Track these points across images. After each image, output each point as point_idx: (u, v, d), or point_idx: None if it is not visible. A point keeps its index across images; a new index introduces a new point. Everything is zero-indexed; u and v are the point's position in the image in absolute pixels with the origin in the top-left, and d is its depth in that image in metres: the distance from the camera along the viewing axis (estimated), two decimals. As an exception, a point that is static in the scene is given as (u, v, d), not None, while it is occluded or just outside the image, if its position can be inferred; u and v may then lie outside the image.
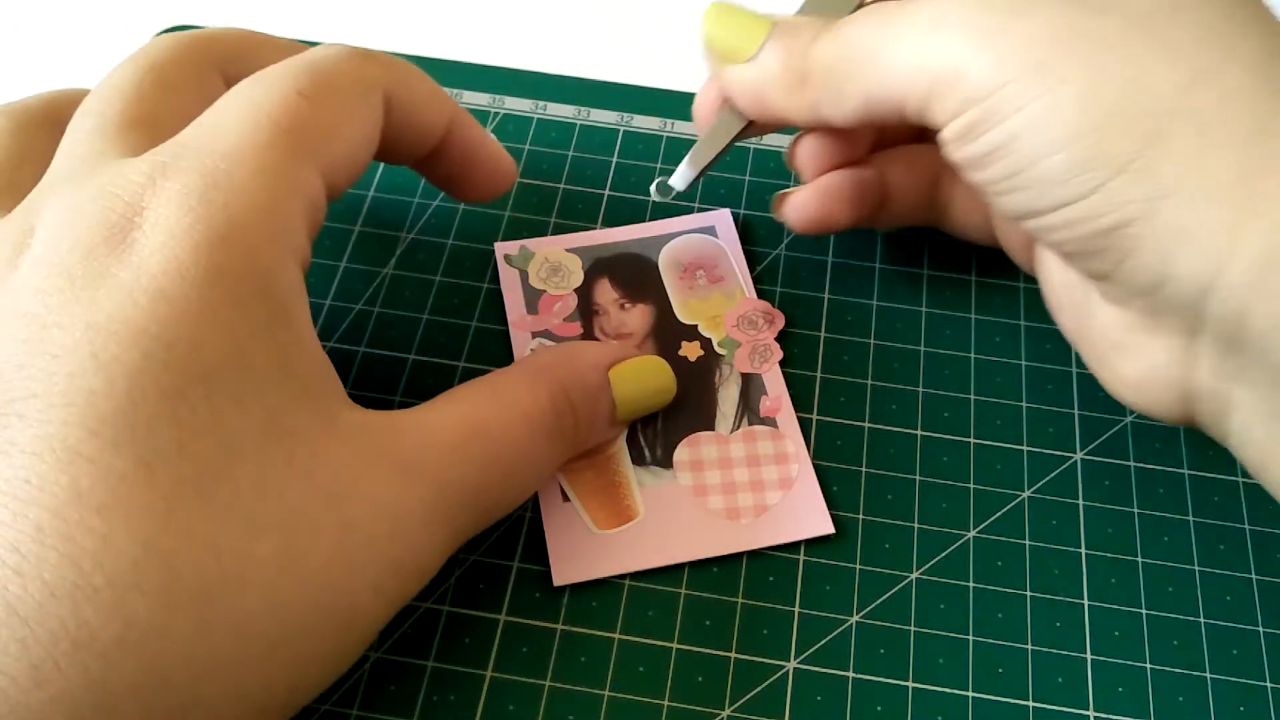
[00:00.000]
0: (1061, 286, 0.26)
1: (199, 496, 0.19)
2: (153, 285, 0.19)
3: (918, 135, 0.30)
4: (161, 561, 0.18)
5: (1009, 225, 0.29)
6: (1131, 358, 0.25)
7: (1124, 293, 0.24)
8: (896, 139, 0.30)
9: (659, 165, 0.34)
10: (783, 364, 0.30)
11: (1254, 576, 0.27)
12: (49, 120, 0.26)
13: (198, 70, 0.25)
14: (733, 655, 0.25)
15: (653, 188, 0.30)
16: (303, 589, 0.20)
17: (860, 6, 0.27)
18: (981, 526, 0.27)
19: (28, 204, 0.22)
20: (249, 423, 0.20)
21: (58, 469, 0.18)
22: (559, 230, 0.32)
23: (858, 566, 0.27)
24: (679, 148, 0.34)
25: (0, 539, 0.17)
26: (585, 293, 0.31)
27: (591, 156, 0.34)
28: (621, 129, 0.35)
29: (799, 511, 0.27)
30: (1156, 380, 0.24)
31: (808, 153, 0.29)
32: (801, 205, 0.29)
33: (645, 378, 0.27)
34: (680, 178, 0.29)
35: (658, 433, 0.28)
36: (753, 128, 0.28)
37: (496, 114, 0.35)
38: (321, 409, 0.21)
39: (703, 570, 0.27)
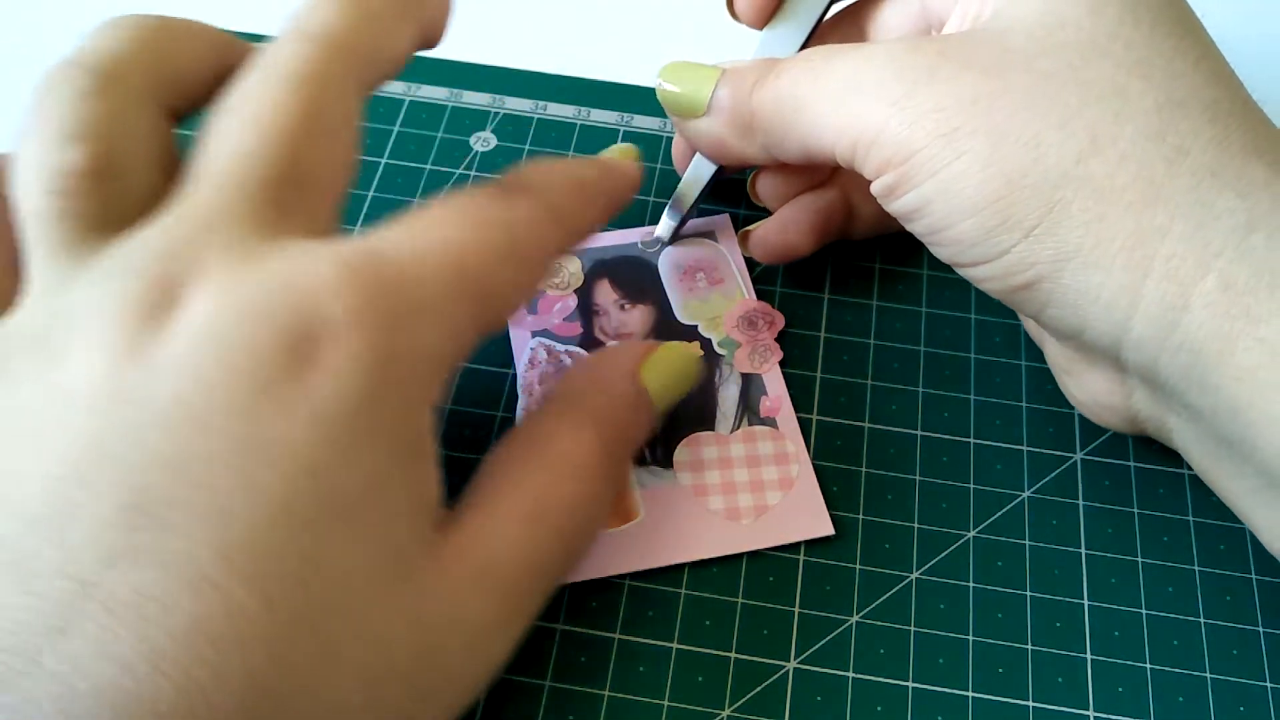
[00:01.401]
0: None
1: (311, 636, 0.18)
2: (319, 410, 0.19)
3: None
4: (266, 704, 0.18)
5: None
6: (1077, 382, 0.26)
7: (1053, 334, 0.25)
8: None
9: (659, 166, 0.34)
10: (783, 364, 0.30)
11: (1254, 576, 0.27)
12: (150, 90, 0.21)
13: (350, 112, 0.22)
14: (733, 655, 0.25)
15: (639, 243, 0.31)
16: None
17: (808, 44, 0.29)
18: (981, 526, 0.27)
19: (169, 249, 0.19)
20: (371, 559, 0.19)
21: (183, 590, 0.17)
22: (559, 230, 0.32)
23: (858, 566, 0.27)
24: (679, 148, 0.34)
25: (117, 655, 0.16)
26: (585, 293, 0.31)
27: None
28: (621, 129, 0.35)
29: (799, 512, 0.27)
30: (1101, 403, 0.26)
31: (767, 187, 0.30)
32: (763, 240, 0.30)
33: (674, 364, 0.26)
34: (665, 228, 0.31)
35: (658, 433, 0.28)
36: (725, 169, 0.30)
37: (496, 114, 0.35)
38: (431, 540, 0.21)
39: (703, 570, 0.27)
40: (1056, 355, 0.27)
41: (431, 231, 0.21)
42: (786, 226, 0.30)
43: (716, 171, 0.30)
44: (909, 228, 0.25)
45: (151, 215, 0.20)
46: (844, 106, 0.24)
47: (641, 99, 0.36)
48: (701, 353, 0.28)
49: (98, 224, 0.20)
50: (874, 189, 0.25)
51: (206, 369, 0.18)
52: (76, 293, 0.19)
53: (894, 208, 0.25)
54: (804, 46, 0.28)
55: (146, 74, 0.21)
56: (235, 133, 0.21)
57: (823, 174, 0.30)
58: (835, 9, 0.29)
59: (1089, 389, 0.26)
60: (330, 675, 0.19)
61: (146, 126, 0.21)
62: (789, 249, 0.30)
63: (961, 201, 0.23)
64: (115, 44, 0.21)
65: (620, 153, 0.29)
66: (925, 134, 0.23)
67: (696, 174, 0.30)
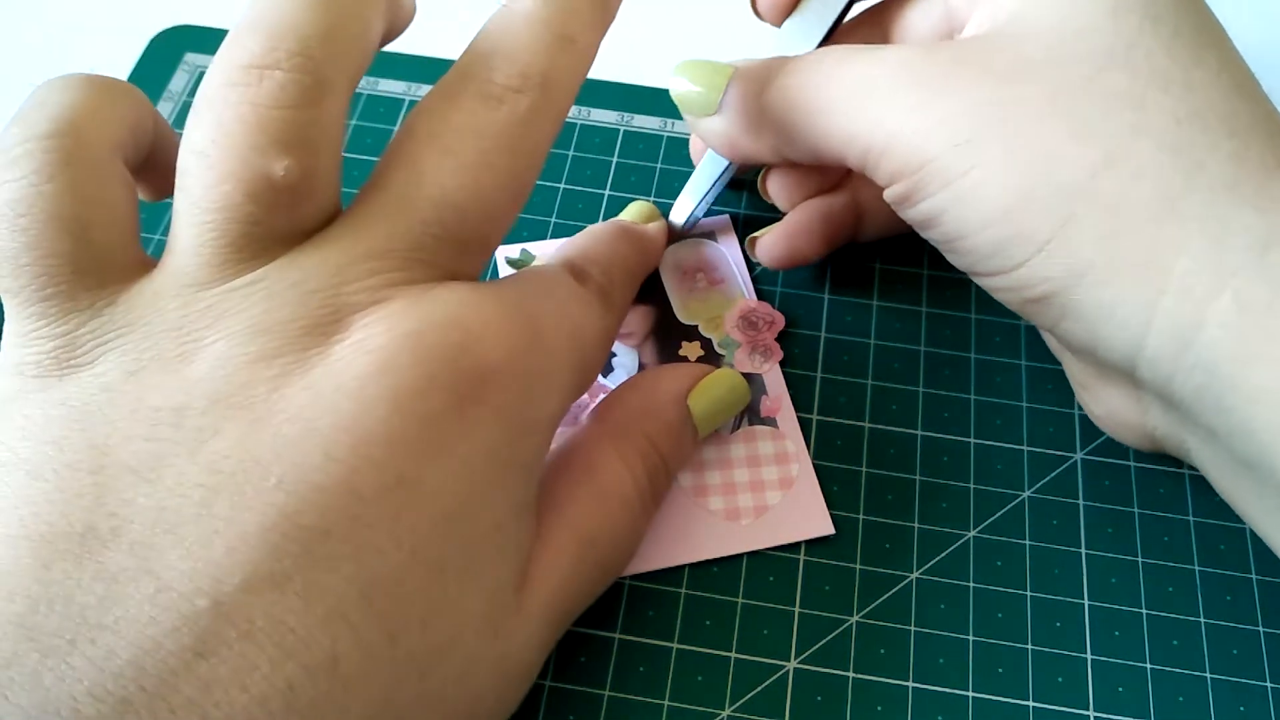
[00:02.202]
0: None
1: (420, 680, 0.18)
2: (471, 453, 0.19)
3: None
4: None
5: None
6: (1095, 398, 0.26)
7: (1069, 348, 0.25)
8: None
9: (659, 165, 0.34)
10: (783, 364, 0.30)
11: (1254, 576, 0.27)
12: (351, 89, 0.21)
13: (541, 168, 0.23)
14: (733, 655, 0.25)
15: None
16: None
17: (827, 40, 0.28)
18: (981, 526, 0.27)
19: (346, 271, 0.19)
20: (479, 605, 0.20)
21: (320, 626, 0.17)
22: (559, 231, 0.32)
23: (858, 566, 0.27)
24: (679, 147, 0.34)
25: (252, 686, 0.16)
26: (585, 293, 0.31)
27: (591, 157, 0.34)
28: (621, 129, 0.35)
29: (799, 512, 0.27)
30: (1118, 419, 0.26)
31: (777, 186, 0.30)
32: (771, 246, 0.30)
33: (720, 392, 0.27)
34: (679, 211, 0.31)
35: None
36: (738, 166, 0.30)
37: (497, 114, 0.35)
38: (518, 587, 0.21)
39: (703, 570, 0.27)
40: (1075, 370, 0.27)
41: (554, 300, 0.22)
42: (794, 233, 0.29)
43: (729, 167, 0.30)
44: (924, 235, 0.25)
45: (329, 225, 0.20)
46: (856, 112, 0.24)
47: (641, 99, 0.36)
48: (747, 384, 0.28)
49: (281, 236, 0.20)
50: (887, 196, 0.24)
51: (375, 398, 0.18)
52: (234, 295, 0.19)
53: (908, 216, 0.24)
54: (823, 44, 0.28)
55: (352, 71, 0.20)
56: (446, 176, 0.20)
57: (835, 175, 0.30)
58: (857, 8, 0.29)
59: (1107, 405, 0.26)
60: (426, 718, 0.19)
61: (342, 132, 0.20)
62: (796, 255, 0.30)
63: (975, 213, 0.22)
64: (321, 24, 0.19)
65: (641, 214, 0.30)
66: (939, 143, 0.22)
67: (709, 166, 0.30)
